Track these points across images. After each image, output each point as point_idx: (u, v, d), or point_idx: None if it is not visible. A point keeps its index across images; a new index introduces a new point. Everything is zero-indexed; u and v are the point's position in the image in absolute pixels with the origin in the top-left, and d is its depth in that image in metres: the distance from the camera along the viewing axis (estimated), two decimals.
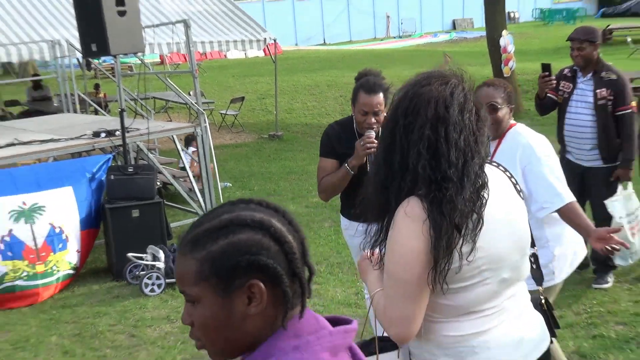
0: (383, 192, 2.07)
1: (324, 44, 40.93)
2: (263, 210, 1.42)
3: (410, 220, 1.94)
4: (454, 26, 45.70)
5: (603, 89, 5.29)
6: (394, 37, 42.80)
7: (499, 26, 14.45)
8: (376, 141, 3.78)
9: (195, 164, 9.83)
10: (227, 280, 1.33)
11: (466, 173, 1.95)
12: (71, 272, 6.89)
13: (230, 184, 10.75)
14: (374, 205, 2.12)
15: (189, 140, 10.66)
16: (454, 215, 1.91)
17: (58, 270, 6.74)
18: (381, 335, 2.24)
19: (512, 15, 43.60)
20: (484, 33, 18.17)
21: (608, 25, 26.36)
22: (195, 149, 10.47)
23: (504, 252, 2.07)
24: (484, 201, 2.00)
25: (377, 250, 2.18)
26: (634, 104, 5.39)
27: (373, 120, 3.94)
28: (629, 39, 19.81)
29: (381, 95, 3.97)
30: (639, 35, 24.87)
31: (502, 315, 2.13)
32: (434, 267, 1.93)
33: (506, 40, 13.14)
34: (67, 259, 6.81)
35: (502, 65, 12.90)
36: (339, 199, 4.45)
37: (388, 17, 44.71)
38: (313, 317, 1.42)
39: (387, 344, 2.19)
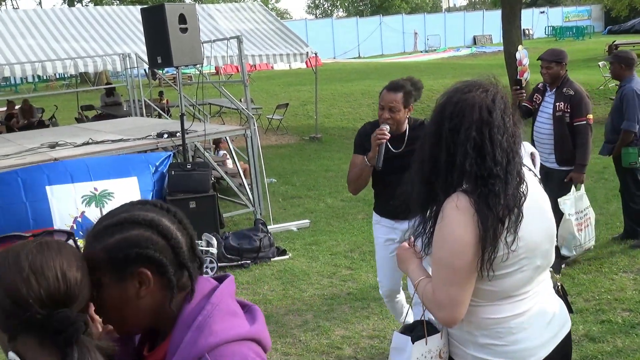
0: (426, 187, 2.07)
1: (359, 57, 40.85)
2: (156, 210, 1.50)
3: (460, 213, 1.93)
4: (475, 42, 45.29)
5: (561, 102, 5.50)
6: (421, 52, 42.55)
7: (515, 41, 14.29)
8: (388, 134, 3.75)
9: (228, 161, 9.91)
10: (120, 268, 1.41)
11: (510, 171, 1.97)
12: None
13: (275, 180, 10.78)
14: (417, 199, 2.11)
15: (217, 142, 10.77)
16: (499, 209, 1.92)
17: None
18: (422, 319, 2.21)
19: (527, 32, 43.07)
20: (501, 48, 18.00)
21: (614, 41, 25.99)
22: (224, 151, 10.55)
23: (538, 241, 2.07)
24: (524, 196, 2.00)
25: (418, 241, 2.16)
26: (590, 116, 5.50)
27: (387, 115, 3.83)
28: (601, 64, 19.40)
29: (400, 95, 3.84)
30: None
31: (535, 298, 2.13)
32: (482, 255, 1.93)
33: (522, 54, 12.88)
34: None
35: (517, 76, 12.75)
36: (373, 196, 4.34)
37: (416, 33, 44.55)
38: (207, 281, 1.53)
39: (428, 327, 2.16)
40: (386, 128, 3.77)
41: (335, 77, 24.26)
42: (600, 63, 19.43)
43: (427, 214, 2.10)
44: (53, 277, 1.32)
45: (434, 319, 2.17)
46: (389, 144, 3.85)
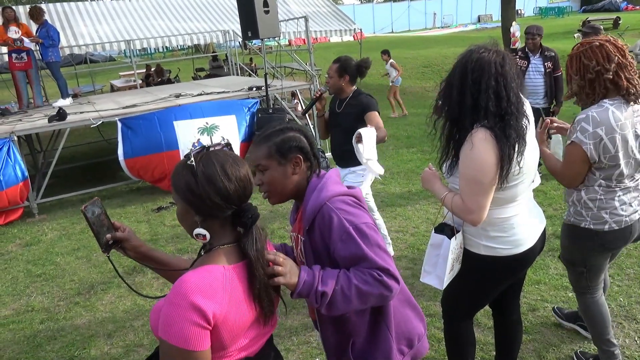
0: (452, 124, 2.03)
1: (392, 32, 39.29)
2: (288, 123, 1.68)
3: (485, 142, 1.89)
4: (479, 19, 42.74)
5: (548, 62, 5.62)
6: (438, 27, 40.54)
7: (510, 19, 13.53)
8: (319, 93, 3.70)
9: (299, 108, 9.81)
10: (284, 156, 1.60)
11: (519, 109, 1.94)
12: None
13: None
14: (444, 132, 2.07)
15: (293, 95, 10.64)
16: (513, 137, 1.90)
17: None
18: (443, 222, 2.20)
19: (519, 11, 40.23)
20: (499, 24, 16.98)
21: (587, 18, 24.10)
22: (296, 101, 10.43)
23: (532, 162, 2.06)
24: (526, 127, 1.99)
25: (444, 164, 2.12)
26: (562, 70, 5.71)
27: (327, 79, 3.77)
28: (575, 35, 18.13)
29: (336, 66, 3.73)
30: (608, 24, 22.71)
31: (528, 203, 2.16)
32: (500, 172, 1.92)
33: (515, 28, 12.33)
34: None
35: (511, 45, 12.22)
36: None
37: (434, 14, 42.37)
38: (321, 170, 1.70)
39: (445, 228, 2.14)
40: (321, 89, 3.73)
41: (374, 47, 23.43)
42: (575, 34, 18.25)
43: (452, 144, 2.04)
44: (245, 179, 1.39)
45: (451, 222, 2.14)
46: (336, 104, 3.78)
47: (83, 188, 7.04)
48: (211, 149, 1.42)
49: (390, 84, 11.51)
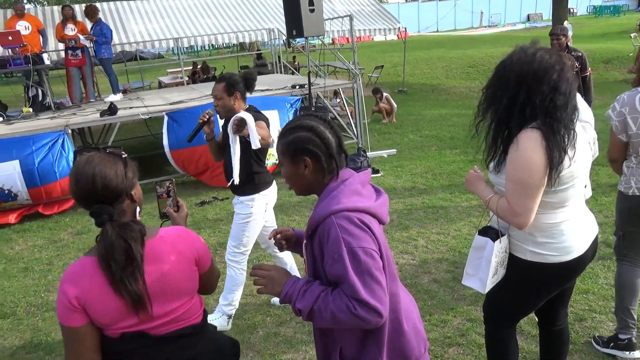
0: (498, 125, 1.96)
1: (437, 31, 38.65)
2: (316, 119, 1.61)
3: (534, 143, 1.83)
4: (528, 18, 41.45)
5: (576, 62, 5.44)
6: (485, 27, 39.56)
7: (562, 18, 13.03)
8: (206, 117, 3.26)
9: (342, 107, 9.77)
10: (293, 156, 1.59)
11: (571, 111, 1.89)
12: (275, 162, 7.08)
13: (395, 151, 10.61)
14: (490, 132, 2.00)
15: (336, 93, 10.60)
16: (564, 140, 1.86)
17: (268, 160, 6.99)
18: (488, 225, 2.15)
19: (572, 10, 38.79)
20: (550, 23, 16.42)
21: None
22: (339, 100, 10.40)
23: (583, 166, 1.99)
24: (576, 118, 1.93)
25: (490, 164, 2.06)
26: (590, 69, 5.75)
27: (215, 102, 3.27)
28: (633, 35, 17.21)
29: (222, 84, 3.22)
30: None
31: (579, 209, 2.07)
32: (550, 174, 1.86)
33: (566, 27, 11.91)
34: (273, 154, 7.01)
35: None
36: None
37: (482, 13, 41.37)
38: (348, 171, 1.63)
39: (490, 231, 2.08)
40: (209, 112, 3.28)
41: (418, 46, 23.17)
42: (632, 34, 17.39)
43: (499, 142, 1.98)
44: (95, 184, 1.48)
45: (496, 225, 2.09)
46: (229, 125, 3.19)
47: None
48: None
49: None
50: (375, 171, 6.97)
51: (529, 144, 1.84)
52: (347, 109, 9.48)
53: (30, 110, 7.91)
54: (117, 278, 1.44)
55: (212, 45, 16.57)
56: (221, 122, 3.54)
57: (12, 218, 6.27)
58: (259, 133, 3.07)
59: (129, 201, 1.55)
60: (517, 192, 1.89)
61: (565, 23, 12.22)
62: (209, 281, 1.72)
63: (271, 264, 1.63)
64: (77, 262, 1.50)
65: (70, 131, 6.56)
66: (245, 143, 3.20)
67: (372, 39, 26.99)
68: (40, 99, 8.24)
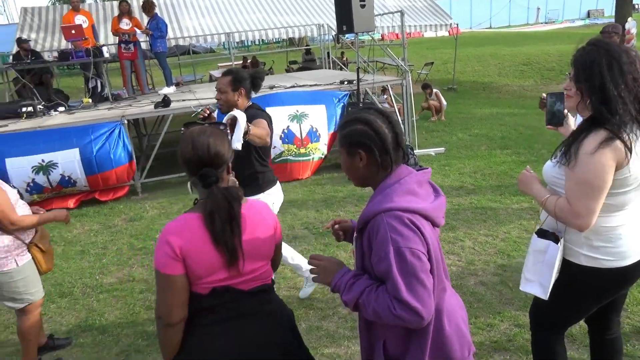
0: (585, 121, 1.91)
1: (490, 27, 37.58)
2: (374, 113, 1.60)
3: (608, 144, 1.80)
4: (588, 15, 39.62)
5: None
6: (541, 23, 38.13)
7: (626, 14, 12.40)
8: (207, 112, 3.08)
9: (389, 104, 9.66)
10: (349, 149, 1.60)
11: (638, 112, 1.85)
12: (321, 156, 7.18)
13: (444, 149, 10.45)
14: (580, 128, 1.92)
15: (384, 90, 10.48)
16: (631, 141, 1.81)
17: (313, 154, 7.05)
18: (542, 228, 2.08)
19: (636, 6, 36.71)
20: (612, 20, 15.62)
21: None
22: (387, 96, 10.28)
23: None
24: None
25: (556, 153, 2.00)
26: None
27: (218, 95, 3.16)
28: None
29: (228, 79, 3.12)
30: None
31: (634, 212, 1.99)
32: (615, 174, 1.83)
33: (630, 24, 11.26)
34: (319, 148, 7.09)
35: (625, 43, 11.17)
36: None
37: (538, 9, 39.89)
38: (405, 167, 1.62)
39: (548, 234, 2.03)
40: (210, 108, 3.15)
41: (470, 43, 22.60)
42: None
43: (572, 138, 1.92)
44: (208, 149, 1.67)
45: (549, 228, 2.03)
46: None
47: (182, 171, 7.49)
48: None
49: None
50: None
51: (603, 146, 1.79)
52: (395, 105, 9.38)
53: (90, 101, 8.29)
54: (219, 233, 1.61)
55: (262, 40, 16.76)
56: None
57: (71, 203, 6.60)
58: (254, 132, 2.81)
59: (226, 172, 1.74)
60: (582, 193, 1.84)
61: (629, 20, 11.62)
62: (279, 253, 1.89)
63: (327, 255, 1.68)
64: (179, 217, 1.66)
65: (125, 122, 6.82)
66: (246, 142, 2.91)
67: (422, 35, 26.53)
68: (99, 90, 8.62)
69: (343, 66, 12.63)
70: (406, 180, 1.56)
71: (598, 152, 1.79)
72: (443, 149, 7.98)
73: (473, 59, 17.86)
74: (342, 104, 7.30)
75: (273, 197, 3.31)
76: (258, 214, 1.76)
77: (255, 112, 3.14)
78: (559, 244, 1.98)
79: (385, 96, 10.62)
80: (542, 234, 2.05)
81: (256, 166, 3.22)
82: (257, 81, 3.22)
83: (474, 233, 4.77)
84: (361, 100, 7.52)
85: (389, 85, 8.93)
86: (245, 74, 3.17)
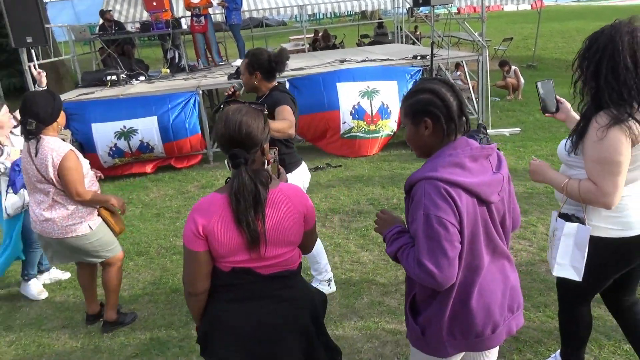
0: (593, 104, 1.96)
1: (578, 0, 34.91)
2: (439, 83, 1.63)
3: (617, 122, 1.86)
4: None
5: None
6: None
7: None
8: (231, 91, 3.15)
9: (463, 81, 9.28)
10: (415, 118, 1.64)
11: None
12: (390, 133, 7.07)
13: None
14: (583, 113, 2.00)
15: (457, 66, 10.07)
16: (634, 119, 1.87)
17: (383, 130, 6.97)
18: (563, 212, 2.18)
19: None
20: None
21: None
22: (460, 73, 9.87)
23: None
24: None
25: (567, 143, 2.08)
26: None
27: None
28: None
29: (245, 61, 3.12)
30: None
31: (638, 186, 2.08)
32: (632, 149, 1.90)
33: None
34: (389, 125, 6.98)
35: None
36: None
37: None
38: (465, 140, 1.63)
39: (573, 217, 2.12)
40: (235, 86, 3.18)
41: (555, 17, 21.20)
42: None
43: (582, 123, 1.99)
44: (238, 128, 1.65)
45: (568, 211, 2.14)
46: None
47: None
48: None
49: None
50: None
51: (615, 125, 1.85)
52: (469, 82, 9.02)
53: (168, 71, 8.64)
54: (242, 215, 1.62)
55: (334, 13, 16.62)
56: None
57: (148, 168, 6.98)
58: (273, 127, 2.63)
59: (260, 153, 1.71)
60: (606, 171, 1.90)
61: None
62: (309, 239, 1.86)
63: (393, 212, 1.81)
64: (208, 196, 1.68)
65: (200, 92, 7.05)
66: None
67: (502, 8, 25.17)
68: (177, 61, 8.95)
69: (416, 40, 12.27)
70: (458, 152, 1.60)
71: (610, 131, 1.86)
72: (518, 129, 7.62)
73: (557, 35, 16.77)
74: (414, 80, 7.12)
75: (300, 177, 3.30)
76: (288, 199, 1.72)
77: (278, 98, 3.06)
78: (586, 224, 2.06)
79: (458, 72, 10.25)
80: (566, 217, 2.13)
81: (281, 148, 3.15)
82: (278, 65, 3.11)
83: (548, 218, 4.55)
84: (434, 77, 7.30)
85: (463, 62, 8.60)
86: (263, 58, 3.08)
